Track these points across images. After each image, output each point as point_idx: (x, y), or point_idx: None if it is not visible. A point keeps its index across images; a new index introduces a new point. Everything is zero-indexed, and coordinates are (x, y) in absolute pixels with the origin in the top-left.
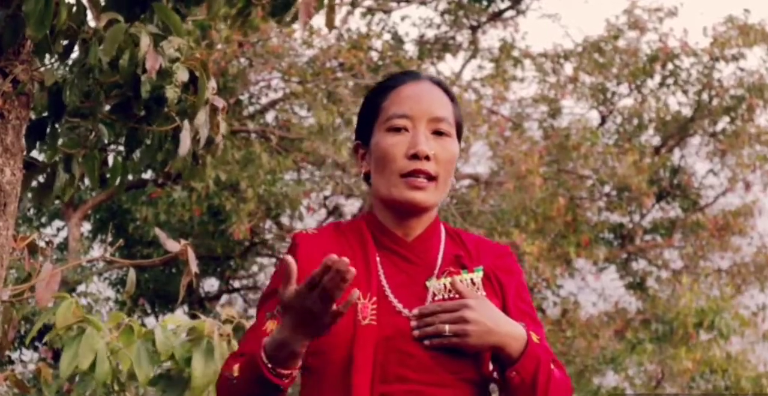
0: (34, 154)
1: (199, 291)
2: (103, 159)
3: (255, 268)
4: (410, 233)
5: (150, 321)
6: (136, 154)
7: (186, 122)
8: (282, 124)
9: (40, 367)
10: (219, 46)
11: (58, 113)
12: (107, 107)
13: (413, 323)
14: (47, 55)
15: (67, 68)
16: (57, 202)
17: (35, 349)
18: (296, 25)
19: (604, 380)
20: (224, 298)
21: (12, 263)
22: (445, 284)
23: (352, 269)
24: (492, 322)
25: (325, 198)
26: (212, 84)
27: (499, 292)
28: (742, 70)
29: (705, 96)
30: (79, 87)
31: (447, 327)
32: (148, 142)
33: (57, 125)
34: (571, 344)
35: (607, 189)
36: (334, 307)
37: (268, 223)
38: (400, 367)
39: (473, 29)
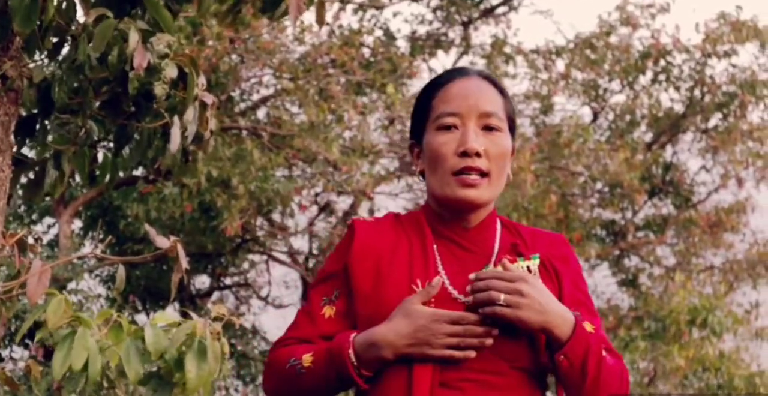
0: (24, 150)
1: (190, 288)
2: (93, 156)
3: (246, 265)
4: (467, 225)
5: (141, 318)
6: (126, 151)
7: (176, 118)
8: (273, 121)
9: (30, 365)
10: (210, 43)
11: (48, 110)
12: (96, 104)
13: (468, 287)
14: (36, 52)
15: (56, 64)
16: (48, 198)
17: (26, 346)
18: (287, 22)
19: None
20: (215, 295)
21: (1, 260)
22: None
23: (490, 341)
24: (544, 302)
25: (317, 195)
26: (201, 80)
27: (555, 280)
28: (734, 66)
29: (697, 92)
30: (68, 83)
31: (502, 296)
32: (138, 138)
33: (46, 122)
34: None
35: (599, 186)
36: (448, 353)
37: (260, 220)
38: None
39: (465, 25)
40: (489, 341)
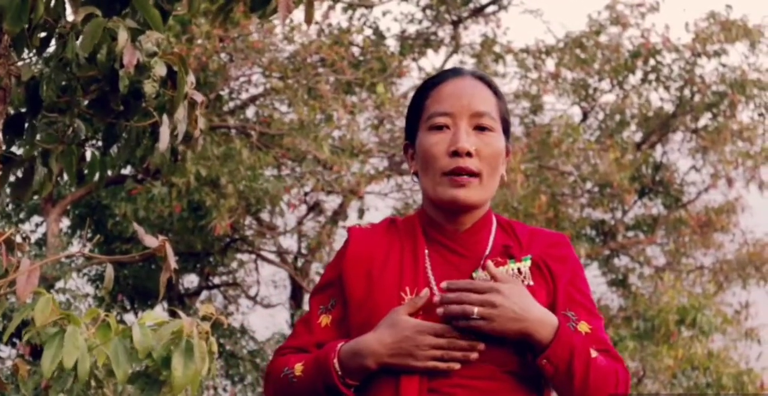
0: (12, 149)
1: (179, 287)
2: (81, 154)
3: (235, 265)
4: (460, 227)
5: (129, 317)
6: (114, 150)
7: (165, 117)
8: (262, 120)
9: (17, 364)
10: (199, 42)
11: (36, 108)
12: (85, 102)
13: (436, 298)
14: (25, 50)
15: (45, 63)
16: (35, 197)
17: (13, 345)
18: (277, 21)
19: None
20: (204, 294)
21: None
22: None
23: (474, 355)
24: (519, 309)
25: (306, 194)
26: (191, 78)
27: (549, 281)
28: (724, 66)
29: (687, 92)
30: (57, 82)
31: (476, 309)
32: (126, 137)
33: (35, 120)
34: None
35: (588, 185)
36: (431, 365)
37: (249, 219)
38: None
39: (455, 24)
40: (474, 355)
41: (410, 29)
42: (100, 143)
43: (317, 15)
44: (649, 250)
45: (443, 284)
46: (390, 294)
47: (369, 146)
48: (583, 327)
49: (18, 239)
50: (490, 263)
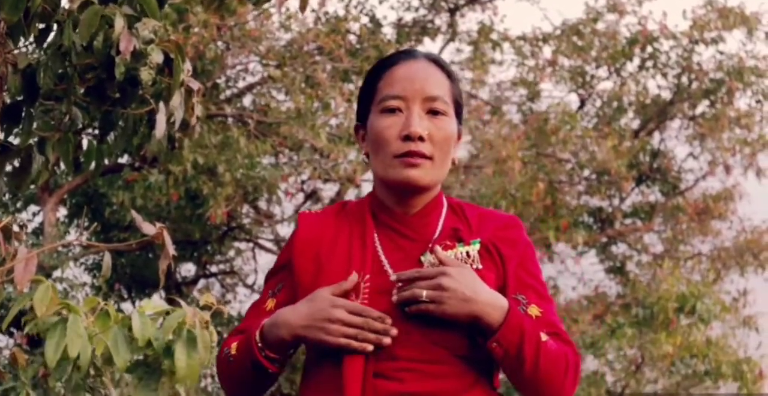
0: (9, 139)
1: (176, 276)
2: (78, 142)
3: (232, 253)
4: (410, 210)
5: (126, 306)
6: (111, 138)
7: (161, 105)
8: (260, 109)
9: (15, 353)
10: (196, 30)
11: (33, 96)
12: (81, 90)
13: (394, 292)
14: (21, 38)
15: (41, 51)
16: (32, 186)
17: (10, 334)
18: (273, 9)
19: (584, 365)
20: (201, 282)
21: None
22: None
23: (387, 340)
24: (470, 291)
25: (303, 182)
26: (187, 66)
27: (499, 264)
28: (721, 53)
29: (684, 79)
30: (54, 69)
31: (424, 293)
32: (123, 125)
33: (32, 109)
34: None
35: (586, 173)
36: (344, 341)
37: (246, 208)
38: (392, 345)
39: (451, 12)
40: (386, 340)
41: (407, 17)
42: (96, 131)
43: (313, 3)
44: (646, 237)
45: (392, 277)
46: (338, 278)
47: None
48: (534, 310)
49: (15, 228)
50: (437, 248)
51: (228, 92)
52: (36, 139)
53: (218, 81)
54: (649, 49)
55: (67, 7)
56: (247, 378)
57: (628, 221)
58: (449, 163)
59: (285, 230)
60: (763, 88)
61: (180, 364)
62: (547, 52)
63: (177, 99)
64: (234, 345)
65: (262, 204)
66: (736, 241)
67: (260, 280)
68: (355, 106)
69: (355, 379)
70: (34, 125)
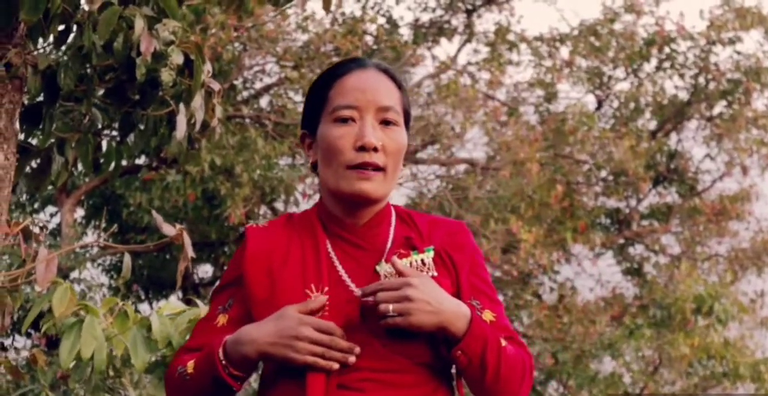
0: (27, 140)
1: (194, 277)
2: (97, 144)
3: None
4: (359, 221)
5: (144, 307)
6: (131, 139)
7: (181, 106)
8: (277, 110)
9: (35, 354)
10: (213, 31)
11: (53, 97)
12: (101, 91)
13: (358, 307)
14: (41, 39)
15: (61, 52)
16: (50, 187)
17: (28, 335)
18: (291, 10)
19: (602, 366)
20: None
21: (5, 249)
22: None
23: (352, 359)
24: (435, 301)
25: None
26: (207, 67)
27: (452, 270)
28: (738, 53)
29: (702, 80)
30: (74, 70)
31: (391, 306)
32: (143, 126)
33: (51, 109)
34: (568, 330)
35: (603, 174)
36: (311, 360)
37: (263, 209)
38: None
39: (468, 13)
40: (351, 359)
41: (424, 18)
42: (115, 132)
43: (333, 3)
44: (663, 238)
45: (356, 292)
46: (294, 291)
47: None
48: (488, 315)
49: (35, 229)
50: (395, 258)
51: (245, 93)
52: (55, 140)
53: (235, 82)
54: (667, 49)
55: (86, 8)
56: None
57: (645, 222)
58: (399, 174)
59: None
60: None
61: None
62: (564, 52)
63: (198, 100)
64: (191, 363)
65: (279, 205)
66: (754, 242)
67: None
68: None
69: (318, 391)
70: (54, 126)
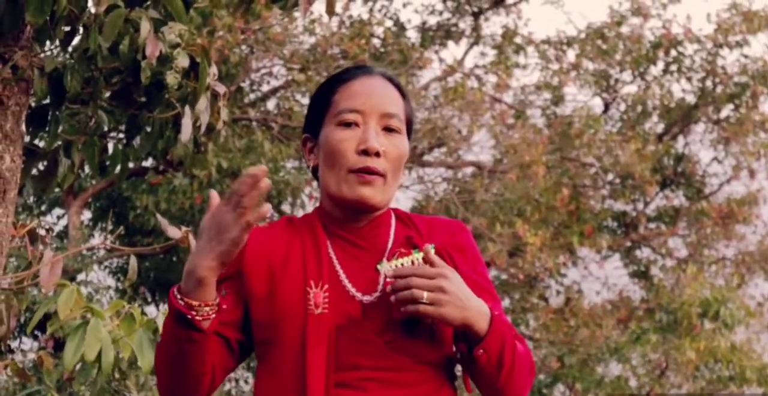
0: (34, 142)
1: None
2: (104, 146)
3: None
4: (359, 224)
5: (150, 310)
6: (137, 141)
7: (187, 108)
8: (284, 112)
9: (41, 356)
10: (220, 34)
11: (59, 100)
12: (107, 94)
13: (389, 287)
14: (47, 41)
15: (68, 54)
16: (57, 189)
17: (35, 337)
18: (298, 13)
19: (608, 370)
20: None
21: (12, 251)
22: (396, 265)
23: (267, 181)
24: (464, 297)
25: None
26: (213, 70)
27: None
28: (746, 57)
29: (709, 83)
30: (80, 73)
31: (425, 294)
32: (149, 129)
33: (58, 112)
34: (575, 333)
35: (610, 177)
36: (245, 219)
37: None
38: (354, 354)
39: (476, 16)
40: (266, 182)
41: (431, 21)
42: (122, 135)
43: (337, 6)
44: (670, 241)
45: (389, 272)
46: (294, 288)
47: None
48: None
49: (41, 231)
50: (428, 246)
51: (252, 96)
52: (62, 143)
53: (242, 85)
54: (674, 52)
55: (93, 10)
56: (176, 354)
57: (652, 225)
58: (398, 183)
59: None
60: None
61: None
62: (571, 55)
63: (203, 103)
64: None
65: (286, 208)
66: (761, 246)
67: None
68: None
69: (317, 390)
70: (60, 128)
